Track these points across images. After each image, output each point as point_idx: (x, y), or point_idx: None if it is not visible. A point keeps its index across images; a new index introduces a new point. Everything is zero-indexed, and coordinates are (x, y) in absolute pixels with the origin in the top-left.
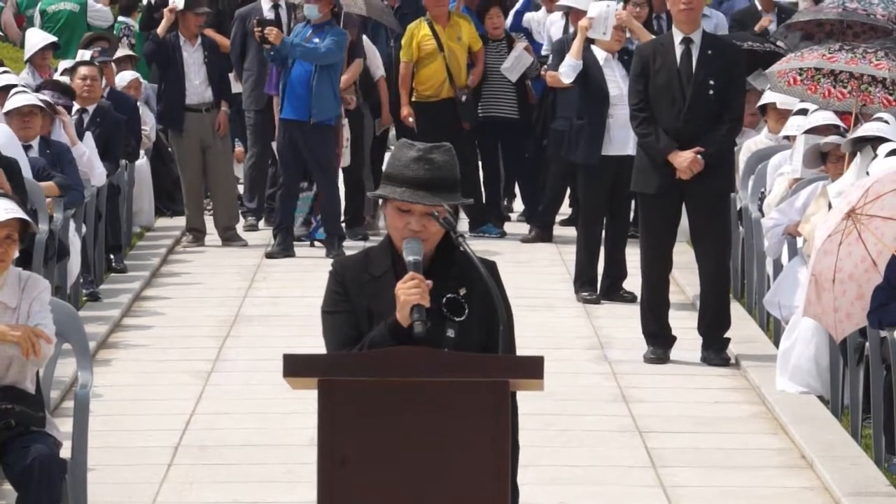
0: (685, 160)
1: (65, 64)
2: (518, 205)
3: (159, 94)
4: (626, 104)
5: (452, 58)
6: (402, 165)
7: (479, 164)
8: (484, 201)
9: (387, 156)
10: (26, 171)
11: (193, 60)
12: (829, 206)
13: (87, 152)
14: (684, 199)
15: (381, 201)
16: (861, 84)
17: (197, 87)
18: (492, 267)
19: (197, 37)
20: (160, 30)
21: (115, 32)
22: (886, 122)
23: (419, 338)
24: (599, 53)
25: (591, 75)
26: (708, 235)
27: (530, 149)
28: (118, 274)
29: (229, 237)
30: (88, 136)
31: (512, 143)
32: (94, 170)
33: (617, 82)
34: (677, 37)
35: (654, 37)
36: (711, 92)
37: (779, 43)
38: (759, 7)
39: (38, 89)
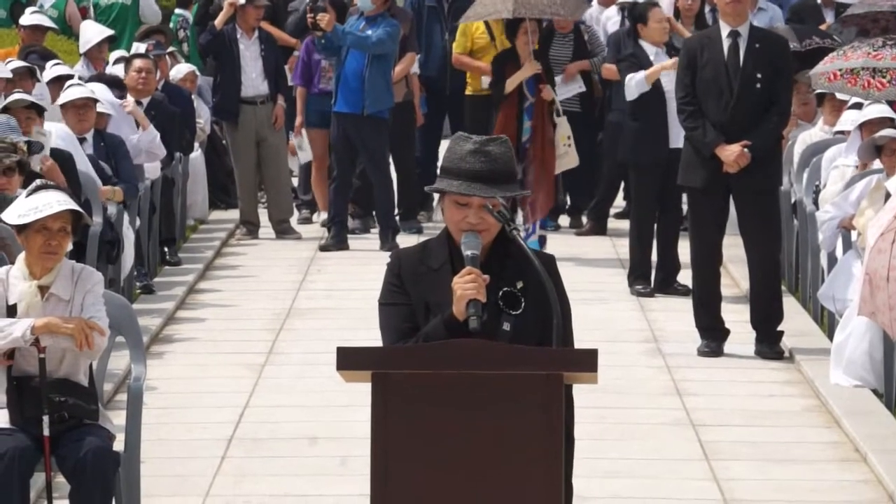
0: (732, 154)
1: (115, 55)
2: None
3: (215, 86)
4: (673, 99)
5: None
6: (458, 158)
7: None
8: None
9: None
10: (82, 165)
11: (250, 53)
12: (886, 199)
13: (157, 135)
14: (731, 193)
15: (437, 195)
16: None
17: (253, 79)
18: (549, 261)
19: (254, 30)
20: (218, 22)
21: (171, 25)
22: None
23: (474, 332)
24: (650, 49)
25: (645, 69)
26: (756, 229)
27: (586, 142)
28: (172, 267)
29: (283, 230)
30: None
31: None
32: (160, 151)
33: (669, 77)
34: (724, 30)
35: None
36: (759, 85)
37: (835, 37)
38: (819, 0)
39: (88, 82)
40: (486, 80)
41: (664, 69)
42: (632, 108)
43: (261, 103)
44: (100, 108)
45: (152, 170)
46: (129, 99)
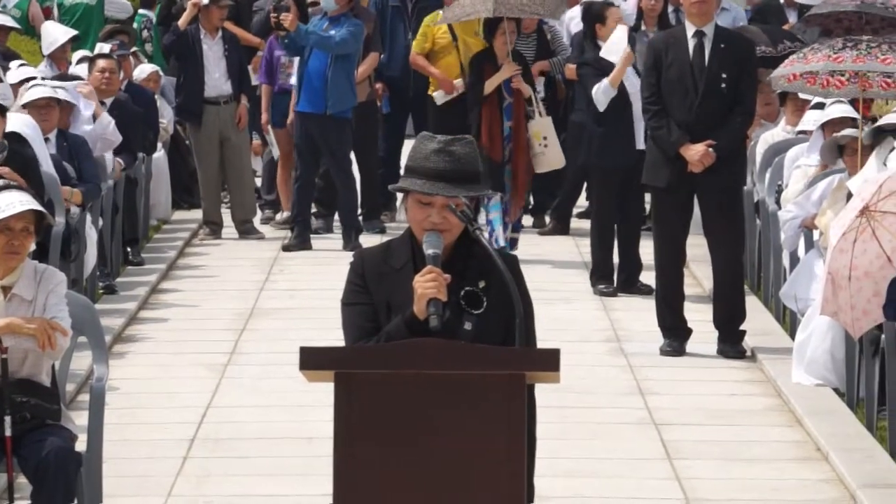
0: (697, 153)
1: (78, 55)
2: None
3: (178, 86)
4: (637, 100)
5: (467, 52)
6: (422, 157)
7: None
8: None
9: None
10: (45, 164)
11: (213, 53)
12: (848, 199)
13: (111, 121)
14: (696, 193)
15: (401, 195)
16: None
17: (216, 79)
18: (512, 261)
19: (218, 30)
20: (181, 22)
21: (135, 25)
22: None
23: (435, 331)
24: None
25: (606, 71)
26: (720, 228)
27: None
28: (135, 267)
29: (246, 230)
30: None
31: None
32: (115, 137)
33: (628, 76)
34: (690, 30)
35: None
36: (724, 85)
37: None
38: (782, 0)
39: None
40: (439, 97)
41: (625, 66)
42: (596, 113)
43: (224, 103)
44: (62, 94)
45: (112, 167)
46: (86, 84)
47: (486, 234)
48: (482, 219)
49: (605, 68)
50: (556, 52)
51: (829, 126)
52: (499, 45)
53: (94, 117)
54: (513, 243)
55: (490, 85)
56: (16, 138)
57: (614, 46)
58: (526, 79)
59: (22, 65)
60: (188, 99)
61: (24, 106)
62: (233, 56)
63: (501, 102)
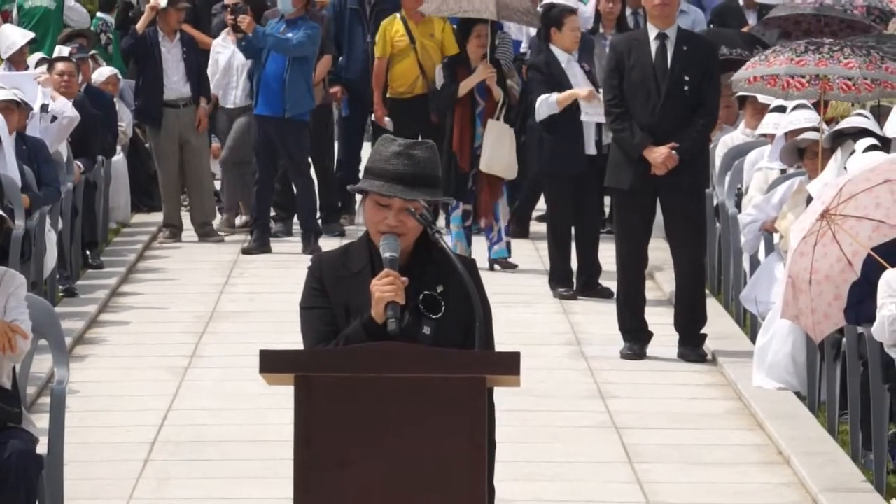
0: (660, 155)
1: (36, 57)
2: None
3: (137, 89)
4: (588, 104)
5: (425, 54)
6: (382, 160)
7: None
8: None
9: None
10: (11, 162)
11: (172, 56)
12: (808, 202)
13: (68, 102)
14: (659, 195)
15: (360, 197)
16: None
17: (175, 83)
18: (471, 264)
19: (176, 32)
20: (139, 25)
21: (92, 28)
22: (867, 116)
23: (393, 335)
24: (561, 56)
25: (555, 77)
26: (683, 231)
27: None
28: (94, 270)
29: (206, 233)
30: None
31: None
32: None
33: (578, 84)
34: (652, 32)
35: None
36: (686, 88)
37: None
38: (741, 2)
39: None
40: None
41: (577, 97)
42: (546, 120)
43: (183, 106)
44: (20, 96)
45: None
46: (42, 71)
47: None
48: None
49: (553, 75)
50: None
51: (793, 133)
52: (473, 48)
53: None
54: (508, 247)
55: (465, 87)
56: None
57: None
58: (500, 83)
59: None
60: (147, 102)
61: None
62: (191, 59)
63: (474, 108)
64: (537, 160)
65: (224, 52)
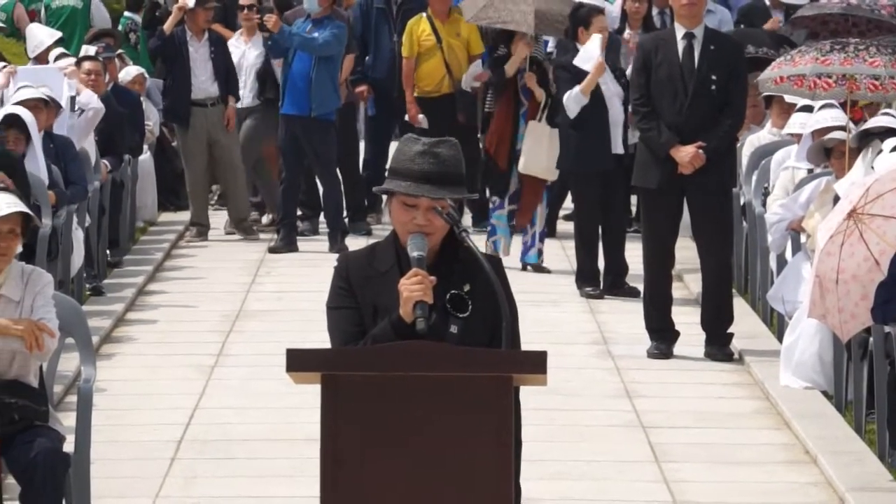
0: (687, 154)
1: (55, 52)
2: None
3: (165, 89)
4: (613, 105)
5: (451, 53)
6: (407, 160)
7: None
8: (488, 196)
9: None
10: (41, 159)
11: (200, 56)
12: (835, 202)
13: (94, 95)
14: (686, 194)
15: (386, 196)
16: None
17: (203, 82)
18: (497, 263)
19: (204, 32)
20: (167, 25)
21: (120, 28)
22: (894, 115)
23: (422, 334)
24: None
25: (583, 76)
26: (710, 230)
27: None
28: (119, 268)
29: (244, 228)
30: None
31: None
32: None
33: (606, 82)
34: (679, 32)
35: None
36: (713, 87)
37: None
38: (767, 2)
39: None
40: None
41: (596, 75)
42: (575, 118)
43: (211, 105)
44: (48, 93)
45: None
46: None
47: (489, 239)
48: (465, 221)
49: (580, 73)
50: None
51: (820, 132)
52: (519, 48)
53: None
54: (539, 254)
55: (511, 67)
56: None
57: (587, 55)
58: (542, 83)
59: (4, 66)
60: (175, 101)
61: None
62: (219, 58)
63: (518, 107)
64: (564, 158)
65: (234, 53)
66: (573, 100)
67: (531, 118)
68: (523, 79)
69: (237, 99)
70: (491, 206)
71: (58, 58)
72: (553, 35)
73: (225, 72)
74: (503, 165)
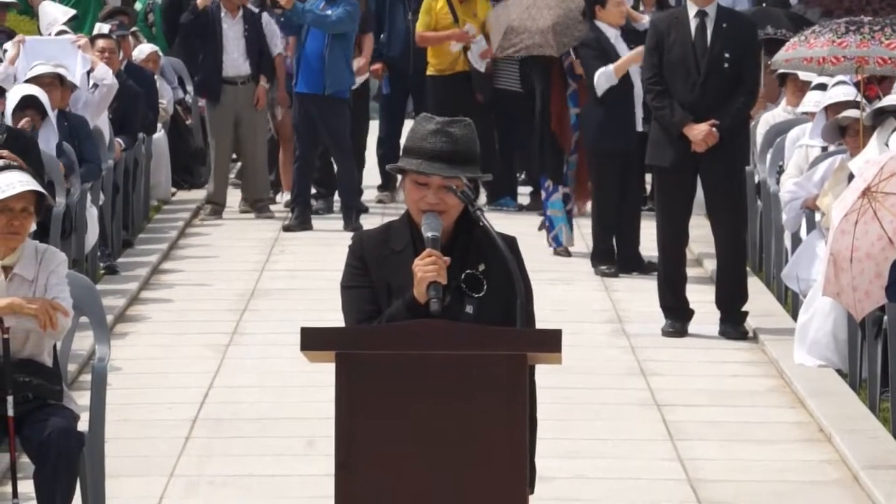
0: (700, 133)
1: (56, 29)
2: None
3: (197, 65)
4: (639, 83)
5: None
6: (420, 138)
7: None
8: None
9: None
10: (54, 137)
11: (234, 33)
12: (850, 180)
13: (109, 70)
14: (699, 172)
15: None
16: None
17: (235, 59)
18: (511, 242)
19: (239, 9)
20: (200, 1)
21: (139, 5)
22: None
23: (436, 315)
24: (609, 31)
25: (607, 52)
26: (723, 208)
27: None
28: (134, 247)
29: (260, 209)
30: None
31: (512, 116)
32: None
33: (635, 65)
34: (692, 10)
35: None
36: (726, 65)
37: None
38: None
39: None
40: (455, 46)
41: (632, 62)
42: (596, 95)
43: (241, 83)
44: (65, 73)
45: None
46: (81, 36)
47: (545, 231)
48: (480, 200)
49: (605, 50)
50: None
51: (833, 108)
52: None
53: (92, 69)
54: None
55: (619, 70)
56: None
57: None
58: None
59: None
60: (206, 78)
61: (26, 82)
62: (253, 36)
63: (567, 89)
64: (586, 136)
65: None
66: (605, 77)
67: (582, 99)
68: (568, 59)
69: (269, 79)
70: (543, 194)
71: (58, 34)
72: (575, 41)
73: (258, 50)
74: (567, 148)
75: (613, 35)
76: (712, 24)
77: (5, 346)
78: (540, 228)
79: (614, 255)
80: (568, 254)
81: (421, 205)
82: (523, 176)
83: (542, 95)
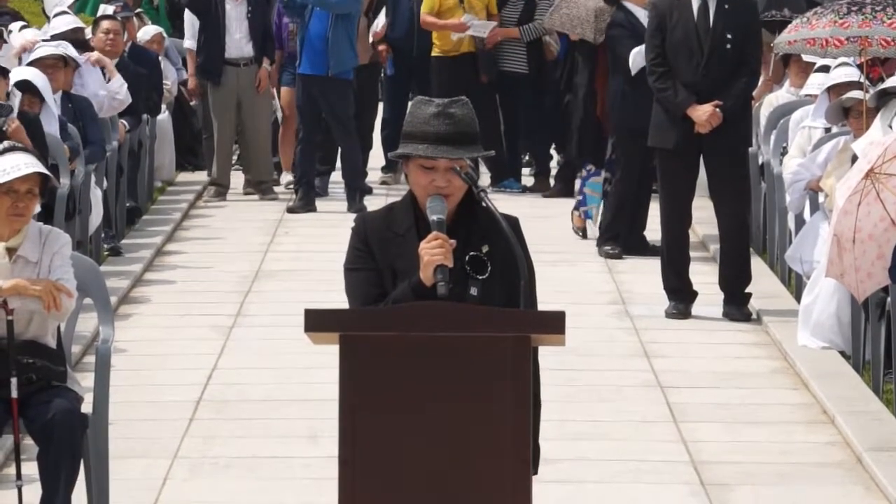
0: (704, 113)
1: (56, 10)
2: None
3: (199, 46)
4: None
5: (472, 13)
6: (421, 122)
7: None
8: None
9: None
10: (55, 119)
11: (236, 14)
12: (853, 161)
13: (124, 84)
14: (702, 154)
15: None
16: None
17: (237, 41)
18: (514, 223)
19: None
20: None
21: None
22: None
23: (443, 298)
24: (638, 11)
25: (637, 31)
26: (727, 189)
27: (546, 105)
28: (138, 229)
29: (264, 190)
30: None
31: (517, 98)
32: (126, 98)
33: None
34: None
35: None
36: (729, 46)
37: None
38: None
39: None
40: (454, 36)
41: None
42: (628, 76)
43: (244, 65)
44: (69, 52)
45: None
46: (94, 53)
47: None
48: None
49: (635, 29)
50: (534, 19)
51: (835, 89)
52: None
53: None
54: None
55: None
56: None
57: None
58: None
59: (24, 27)
60: (208, 59)
61: (31, 64)
62: (257, 18)
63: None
64: (618, 116)
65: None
66: (641, 56)
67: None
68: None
69: (272, 61)
70: (584, 173)
71: (57, 15)
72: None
73: (262, 33)
74: (610, 131)
75: (643, 14)
76: (714, 5)
77: (9, 327)
78: (576, 208)
79: (620, 237)
80: (585, 236)
81: (430, 189)
82: (527, 157)
83: (587, 82)
